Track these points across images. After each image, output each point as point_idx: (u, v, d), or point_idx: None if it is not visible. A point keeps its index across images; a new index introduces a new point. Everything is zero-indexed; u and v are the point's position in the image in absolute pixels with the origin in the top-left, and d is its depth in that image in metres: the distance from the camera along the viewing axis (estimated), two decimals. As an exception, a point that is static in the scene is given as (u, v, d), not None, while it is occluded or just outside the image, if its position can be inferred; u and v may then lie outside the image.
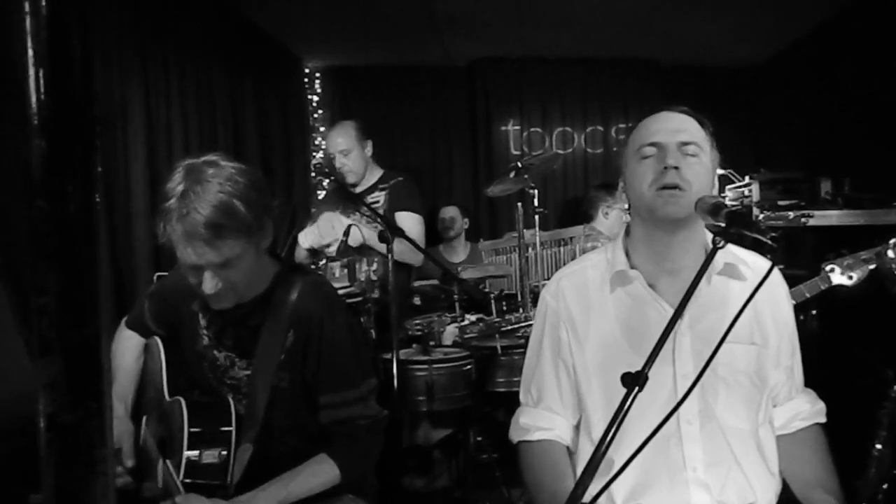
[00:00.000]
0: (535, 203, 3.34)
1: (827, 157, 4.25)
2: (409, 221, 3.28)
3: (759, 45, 5.03)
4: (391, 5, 4.18)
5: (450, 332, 3.09)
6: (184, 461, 1.54)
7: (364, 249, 3.10)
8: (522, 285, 3.28)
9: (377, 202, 3.35)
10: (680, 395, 1.16)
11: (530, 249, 3.52)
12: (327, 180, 3.98)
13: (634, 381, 1.05)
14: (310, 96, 5.46)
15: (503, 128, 5.58)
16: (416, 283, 3.66)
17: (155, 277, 2.96)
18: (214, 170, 1.50)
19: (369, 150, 3.45)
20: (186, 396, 1.64)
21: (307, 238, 3.28)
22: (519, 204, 3.38)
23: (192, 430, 1.57)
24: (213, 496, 1.52)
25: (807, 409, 1.55)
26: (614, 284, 1.49)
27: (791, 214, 3.11)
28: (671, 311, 1.16)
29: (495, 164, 5.44)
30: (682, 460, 1.38)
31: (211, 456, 1.56)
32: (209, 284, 1.53)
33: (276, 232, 1.68)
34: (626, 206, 1.55)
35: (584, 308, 1.51)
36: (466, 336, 3.00)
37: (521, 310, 3.19)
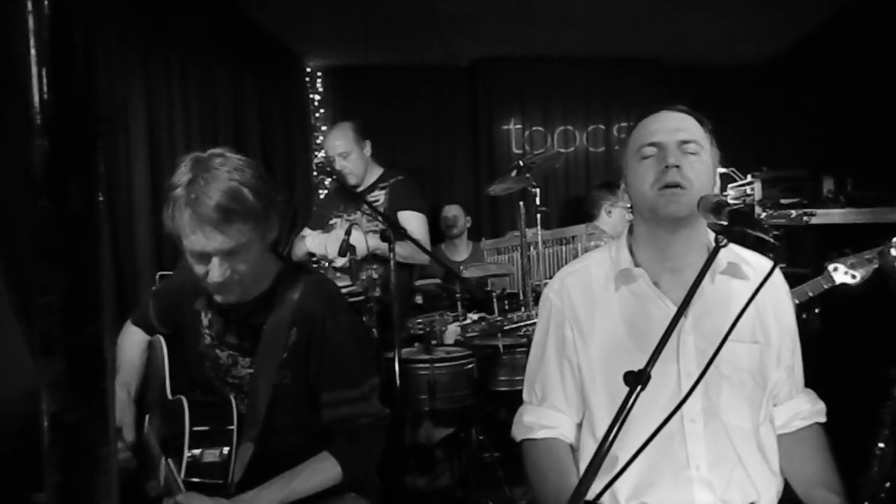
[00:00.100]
0: (537, 202, 3.34)
1: (829, 155, 4.25)
2: (413, 221, 3.27)
3: (761, 43, 5.02)
4: (393, 5, 4.18)
5: (452, 331, 3.09)
6: (185, 460, 1.54)
7: (369, 257, 3.10)
8: (524, 284, 3.28)
9: (377, 201, 3.34)
10: (684, 394, 1.16)
11: (532, 248, 3.52)
12: (329, 179, 3.98)
13: (637, 380, 1.05)
14: (311, 96, 5.47)
15: (505, 127, 5.59)
16: (418, 282, 3.66)
17: (157, 277, 2.97)
18: (222, 159, 1.53)
19: (368, 150, 3.44)
20: (188, 395, 1.64)
21: (314, 243, 3.27)
22: (521, 203, 3.37)
23: (194, 428, 1.57)
24: (214, 495, 1.52)
25: (807, 409, 1.55)
26: (619, 282, 1.50)
27: (793, 213, 3.11)
28: (675, 310, 1.16)
29: (497, 163, 5.45)
30: (685, 458, 1.38)
31: (212, 455, 1.56)
32: (217, 272, 1.52)
33: (279, 229, 1.68)
34: (629, 205, 1.55)
35: (589, 306, 1.51)
36: (468, 335, 3.00)
37: (522, 309, 3.19)
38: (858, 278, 2.11)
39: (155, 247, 3.29)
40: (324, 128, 5.36)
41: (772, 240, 1.16)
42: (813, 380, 1.62)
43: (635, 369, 1.07)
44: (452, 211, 4.72)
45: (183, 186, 1.49)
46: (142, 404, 1.85)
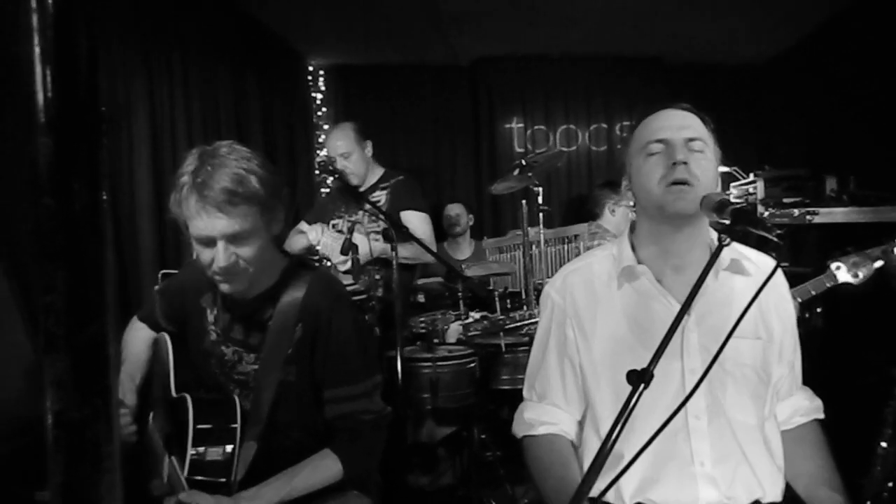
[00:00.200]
0: (540, 201, 3.34)
1: (832, 154, 4.24)
2: (416, 221, 3.27)
3: (763, 42, 5.01)
4: (394, 4, 4.18)
5: (454, 330, 3.09)
6: (189, 457, 1.54)
7: (374, 261, 3.09)
8: (527, 283, 3.28)
9: (379, 201, 3.33)
10: (688, 391, 1.17)
11: (534, 247, 3.52)
12: (331, 178, 3.98)
13: (640, 379, 1.05)
14: (313, 94, 5.47)
15: (507, 126, 5.58)
16: (421, 281, 3.66)
17: (160, 276, 2.97)
18: (229, 149, 1.56)
19: (369, 150, 3.44)
20: (192, 393, 1.64)
21: (312, 233, 3.26)
22: (523, 202, 3.37)
23: (198, 426, 1.57)
24: (216, 493, 1.52)
25: (806, 405, 1.56)
26: (621, 280, 1.50)
27: (796, 212, 3.10)
28: (678, 307, 1.16)
29: (499, 162, 5.45)
30: (689, 455, 1.38)
31: (215, 453, 1.56)
32: (222, 256, 1.53)
33: (285, 223, 1.70)
34: (632, 202, 1.55)
35: (591, 304, 1.51)
36: (470, 333, 3.00)
37: (525, 307, 3.19)
38: (861, 277, 2.11)
39: (158, 246, 3.30)
40: (326, 127, 5.36)
41: (775, 238, 1.16)
42: (815, 379, 1.62)
43: (639, 367, 1.07)
44: (455, 210, 4.72)
45: (189, 173, 1.51)
46: (145, 401, 1.85)
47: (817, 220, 3.07)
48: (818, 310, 2.71)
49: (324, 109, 5.50)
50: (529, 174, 3.31)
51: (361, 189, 3.40)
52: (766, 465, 1.43)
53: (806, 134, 4.77)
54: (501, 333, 2.88)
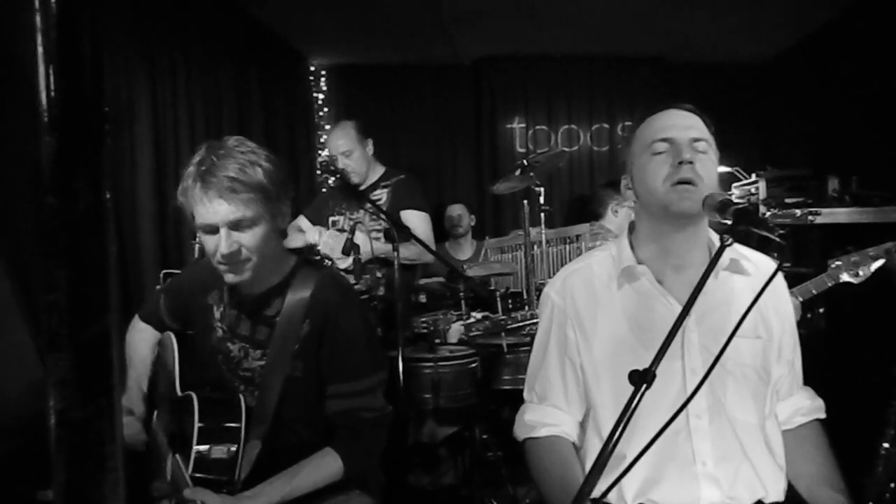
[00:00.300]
0: (541, 201, 3.34)
1: (834, 154, 4.23)
2: (416, 220, 3.27)
3: (765, 42, 5.01)
4: (396, 3, 4.18)
5: (455, 330, 3.09)
6: (193, 456, 1.55)
7: (373, 259, 3.09)
8: (528, 283, 3.28)
9: (380, 200, 3.33)
10: (689, 390, 1.16)
11: (536, 247, 3.51)
12: (332, 178, 3.98)
13: (642, 379, 1.05)
14: (315, 94, 5.47)
15: (508, 126, 5.58)
16: (422, 281, 3.66)
17: (162, 275, 2.97)
18: (236, 142, 1.59)
19: (370, 148, 3.44)
20: (198, 392, 1.65)
21: (311, 235, 3.26)
22: (525, 202, 3.37)
23: (202, 425, 1.57)
24: (220, 491, 1.53)
25: (807, 405, 1.56)
26: (621, 280, 1.49)
27: (798, 212, 3.10)
28: (679, 307, 1.16)
29: (500, 161, 5.45)
30: (691, 455, 1.38)
31: (220, 451, 1.57)
32: (224, 243, 1.55)
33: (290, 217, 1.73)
34: (632, 201, 1.55)
35: (592, 305, 1.51)
36: (472, 334, 2.99)
37: (526, 307, 3.19)
38: (861, 276, 2.11)
39: (159, 245, 3.30)
40: (327, 127, 5.37)
41: (777, 239, 1.16)
42: (818, 379, 1.61)
43: (640, 368, 1.07)
44: (457, 210, 4.72)
45: (195, 164, 1.55)
46: (150, 401, 1.86)
47: (819, 220, 3.07)
48: (820, 310, 2.71)
49: (325, 109, 5.50)
50: (531, 174, 3.31)
51: (362, 187, 3.40)
52: (768, 465, 1.43)
53: (808, 134, 4.77)
54: (503, 333, 2.88)
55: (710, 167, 1.42)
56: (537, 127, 5.58)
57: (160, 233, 3.31)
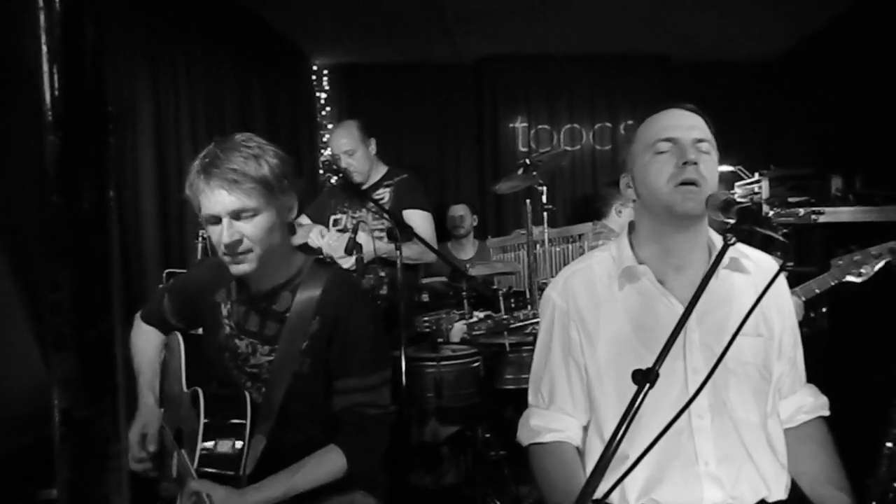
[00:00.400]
0: (544, 200, 3.33)
1: (837, 153, 4.23)
2: (419, 219, 3.27)
3: (769, 41, 5.00)
4: (399, 3, 4.18)
5: (458, 329, 3.09)
6: (198, 451, 1.56)
7: (376, 260, 3.09)
8: (531, 282, 3.27)
9: (382, 199, 3.33)
10: (691, 390, 1.16)
11: (538, 246, 3.51)
12: (335, 177, 3.98)
13: (645, 379, 1.05)
14: (318, 93, 5.47)
15: (511, 125, 5.58)
16: (425, 280, 3.65)
17: (164, 275, 2.98)
18: (243, 137, 1.63)
19: (373, 148, 3.44)
20: (204, 388, 1.66)
21: (320, 241, 3.26)
22: (527, 201, 3.37)
23: (208, 420, 1.58)
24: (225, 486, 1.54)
25: (810, 403, 1.55)
26: (623, 281, 1.49)
27: (801, 211, 3.10)
28: (680, 307, 1.16)
29: (503, 161, 5.44)
30: (694, 455, 1.38)
31: (225, 446, 1.58)
32: (226, 233, 1.57)
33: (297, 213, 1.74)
34: (632, 201, 1.55)
35: (594, 306, 1.50)
36: (475, 333, 2.99)
37: (529, 307, 3.19)
38: (864, 275, 2.10)
39: (162, 245, 3.31)
40: (330, 126, 5.37)
41: (781, 238, 1.16)
42: (821, 378, 1.61)
43: (643, 367, 1.06)
44: (459, 211, 4.72)
45: (201, 157, 1.59)
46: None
47: (823, 219, 3.07)
48: (823, 309, 2.70)
49: (328, 108, 5.50)
50: (533, 173, 3.31)
51: (365, 187, 3.40)
52: (770, 464, 1.43)
53: (811, 133, 4.76)
54: (505, 333, 2.88)
55: (712, 168, 1.42)
56: (539, 126, 5.58)
57: (163, 232, 3.31)
